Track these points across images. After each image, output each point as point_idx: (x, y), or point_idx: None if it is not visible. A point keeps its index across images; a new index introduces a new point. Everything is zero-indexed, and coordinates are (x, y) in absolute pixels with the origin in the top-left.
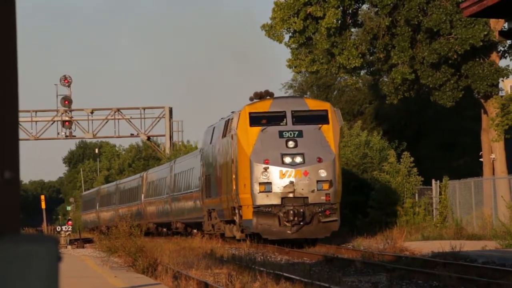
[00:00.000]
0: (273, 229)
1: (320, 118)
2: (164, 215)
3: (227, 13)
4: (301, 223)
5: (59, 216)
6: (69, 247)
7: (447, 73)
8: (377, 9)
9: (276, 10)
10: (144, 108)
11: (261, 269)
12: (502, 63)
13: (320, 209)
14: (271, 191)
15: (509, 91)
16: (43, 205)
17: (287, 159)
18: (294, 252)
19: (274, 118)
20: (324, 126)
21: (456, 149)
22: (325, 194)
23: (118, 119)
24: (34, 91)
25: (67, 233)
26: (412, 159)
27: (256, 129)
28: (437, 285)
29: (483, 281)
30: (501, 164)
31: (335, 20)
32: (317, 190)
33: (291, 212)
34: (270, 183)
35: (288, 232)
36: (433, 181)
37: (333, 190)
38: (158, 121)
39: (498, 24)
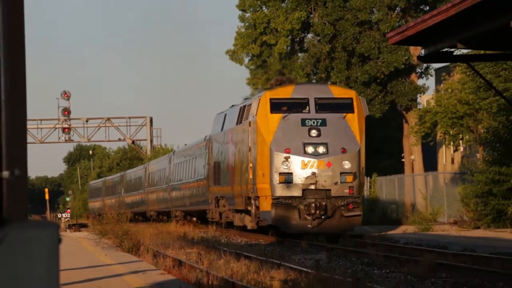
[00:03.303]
0: (293, 222)
1: (345, 106)
2: (165, 205)
3: (199, 40)
4: (323, 217)
5: (60, 206)
6: (68, 231)
7: (376, 90)
8: (319, 37)
9: (237, 38)
10: (129, 118)
11: (225, 249)
12: (420, 82)
13: (343, 203)
14: (291, 182)
15: (425, 104)
16: (47, 197)
17: (310, 149)
18: (252, 235)
19: (296, 105)
20: (349, 115)
21: (383, 152)
22: (348, 187)
23: (108, 126)
24: (39, 103)
25: (66, 219)
26: None
27: (277, 116)
28: (367, 261)
29: (404, 258)
30: (419, 164)
31: (285, 47)
32: (341, 182)
33: (313, 205)
34: (291, 173)
35: (309, 226)
36: (365, 177)
37: (357, 183)
38: (141, 128)
39: (416, 50)
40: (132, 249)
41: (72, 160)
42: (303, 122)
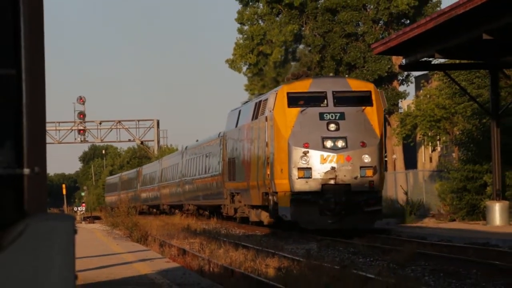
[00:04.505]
0: (312, 218)
1: (364, 99)
2: (177, 198)
3: (202, 52)
4: (343, 212)
5: (76, 200)
6: (83, 222)
7: None
8: (310, 48)
9: (236, 48)
10: (138, 120)
11: (224, 239)
12: (401, 88)
13: (363, 198)
14: (310, 177)
15: (406, 108)
16: (64, 192)
17: (329, 143)
18: (249, 227)
19: (313, 99)
20: (368, 108)
21: None
22: (368, 181)
23: (119, 128)
24: (58, 107)
25: (82, 212)
26: None
27: (295, 110)
28: (353, 250)
29: (387, 247)
30: (400, 162)
31: (279, 56)
32: (360, 176)
33: (332, 200)
34: (310, 168)
35: (329, 221)
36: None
37: (377, 177)
38: (149, 130)
39: (398, 60)
40: (140, 239)
41: (86, 158)
42: (321, 116)
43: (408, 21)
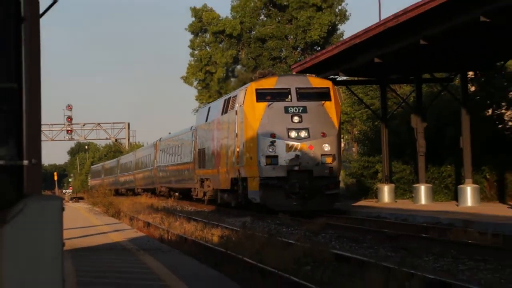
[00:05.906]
0: (279, 201)
1: (323, 95)
2: (150, 182)
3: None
4: (306, 195)
5: (64, 184)
6: (70, 202)
7: None
8: (245, 68)
9: (189, 68)
10: (113, 123)
11: (180, 214)
12: None
13: (324, 182)
14: (277, 164)
15: None
16: (55, 178)
17: (293, 133)
18: (198, 205)
19: (279, 95)
20: (327, 103)
21: None
22: (329, 167)
23: (98, 129)
24: (51, 112)
25: (69, 194)
26: None
27: (263, 105)
28: (279, 223)
29: (304, 220)
30: None
31: (222, 74)
32: (321, 163)
33: (297, 184)
34: (277, 156)
35: (294, 203)
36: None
37: (336, 164)
38: (121, 130)
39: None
40: (115, 214)
41: (73, 152)
42: (286, 109)
43: (319, 48)
